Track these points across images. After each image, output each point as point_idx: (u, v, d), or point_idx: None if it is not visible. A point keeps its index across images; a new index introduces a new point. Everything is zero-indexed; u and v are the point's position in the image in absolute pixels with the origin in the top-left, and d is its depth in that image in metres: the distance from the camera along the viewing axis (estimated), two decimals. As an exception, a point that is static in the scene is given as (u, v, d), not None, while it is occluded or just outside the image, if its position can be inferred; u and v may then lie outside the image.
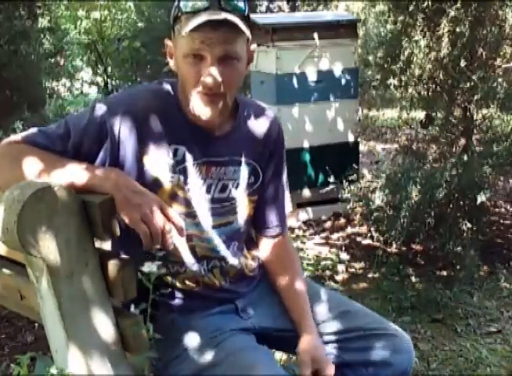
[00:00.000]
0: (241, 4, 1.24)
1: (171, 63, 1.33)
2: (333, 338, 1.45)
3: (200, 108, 1.27)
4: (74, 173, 1.17)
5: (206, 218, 1.36)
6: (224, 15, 1.20)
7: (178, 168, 1.32)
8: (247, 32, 1.24)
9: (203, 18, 1.19)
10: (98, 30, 7.08)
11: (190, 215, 1.34)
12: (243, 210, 1.43)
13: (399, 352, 1.43)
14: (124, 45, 5.91)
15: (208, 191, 1.36)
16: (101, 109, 1.28)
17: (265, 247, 1.53)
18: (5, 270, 1.23)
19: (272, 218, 1.50)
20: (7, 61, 3.40)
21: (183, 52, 1.24)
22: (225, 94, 1.27)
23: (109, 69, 6.87)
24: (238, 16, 1.22)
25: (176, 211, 1.25)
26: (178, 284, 1.37)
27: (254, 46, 1.33)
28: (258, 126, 1.43)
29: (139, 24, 6.08)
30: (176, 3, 1.25)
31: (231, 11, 1.21)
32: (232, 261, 1.41)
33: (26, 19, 3.80)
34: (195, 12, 1.20)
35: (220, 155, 1.36)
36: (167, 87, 1.36)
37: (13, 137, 1.29)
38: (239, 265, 1.43)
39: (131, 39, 5.77)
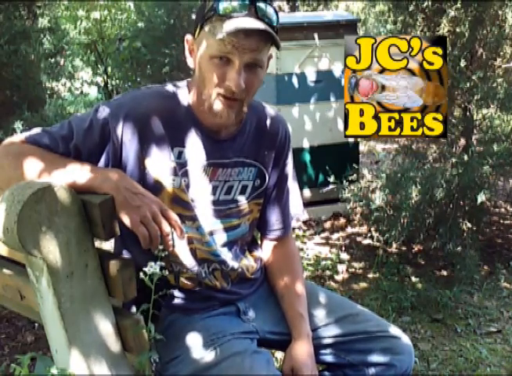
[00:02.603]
0: (274, 15, 1.24)
1: (190, 60, 1.32)
2: (334, 340, 1.45)
3: (216, 110, 1.27)
4: (75, 173, 1.17)
5: (207, 222, 1.36)
6: (261, 24, 1.20)
7: (181, 170, 1.31)
8: (279, 44, 1.24)
9: (240, 23, 1.18)
10: (98, 30, 7.07)
11: (191, 218, 1.34)
12: (248, 213, 1.43)
13: (400, 354, 1.44)
14: (125, 45, 5.90)
15: (213, 193, 1.36)
16: (104, 111, 1.28)
17: (267, 249, 1.53)
18: (5, 270, 1.23)
19: (275, 220, 1.50)
20: (7, 61, 3.40)
21: (210, 52, 1.23)
22: (243, 100, 1.27)
23: (109, 69, 6.85)
24: (270, 27, 1.22)
25: (177, 214, 1.25)
26: (180, 284, 1.37)
27: (270, 52, 1.32)
28: (265, 128, 1.43)
29: (139, 24, 6.06)
30: (210, 2, 1.23)
31: (265, 20, 1.21)
32: (233, 264, 1.41)
33: (26, 19, 3.80)
34: (230, 16, 1.20)
35: (226, 157, 1.36)
36: (174, 89, 1.35)
37: (16, 136, 1.29)
38: (240, 268, 1.43)
39: (131, 39, 5.76)
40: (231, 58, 1.22)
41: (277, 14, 1.25)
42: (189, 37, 1.31)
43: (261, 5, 1.22)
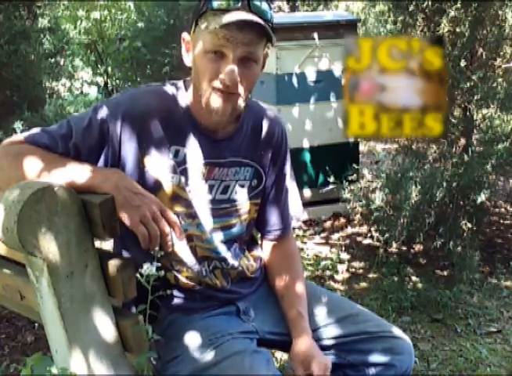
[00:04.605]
0: (268, 10, 1.24)
1: (186, 58, 1.33)
2: (334, 341, 1.45)
3: (213, 104, 1.27)
4: (75, 173, 1.17)
5: (207, 220, 1.36)
6: (254, 17, 1.20)
7: (179, 169, 1.32)
8: (273, 38, 1.25)
9: (233, 16, 1.19)
10: (98, 30, 7.07)
11: (191, 215, 1.34)
12: (245, 213, 1.43)
13: (400, 354, 1.44)
14: (125, 45, 5.90)
15: (210, 192, 1.36)
16: (103, 110, 1.28)
17: (267, 249, 1.53)
18: (5, 270, 1.23)
19: (274, 220, 1.50)
20: (7, 61, 3.40)
21: (205, 47, 1.24)
22: (239, 94, 1.27)
23: (109, 69, 6.86)
24: (264, 22, 1.22)
25: (177, 211, 1.25)
26: (180, 283, 1.37)
27: (267, 50, 1.33)
28: (262, 128, 1.43)
29: (139, 24, 6.07)
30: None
31: (258, 15, 1.22)
32: (233, 262, 1.41)
33: (26, 19, 3.80)
34: (224, 11, 1.21)
35: (223, 157, 1.36)
36: (172, 88, 1.36)
37: (15, 137, 1.29)
38: (240, 267, 1.43)
39: (131, 39, 5.77)
40: (224, 51, 1.23)
41: (271, 9, 1.26)
42: (185, 35, 1.33)
43: (255, 0, 1.23)
